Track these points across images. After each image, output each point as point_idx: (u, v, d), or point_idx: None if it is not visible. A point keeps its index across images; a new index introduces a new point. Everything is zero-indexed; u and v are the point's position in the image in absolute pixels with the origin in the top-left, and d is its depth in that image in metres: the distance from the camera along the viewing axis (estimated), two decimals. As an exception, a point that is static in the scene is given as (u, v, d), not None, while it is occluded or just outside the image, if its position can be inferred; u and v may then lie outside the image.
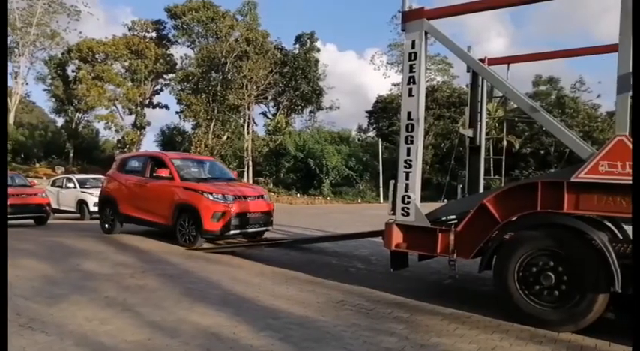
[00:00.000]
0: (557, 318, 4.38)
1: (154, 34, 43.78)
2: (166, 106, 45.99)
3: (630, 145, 4.22)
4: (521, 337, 4.22)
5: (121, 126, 42.17)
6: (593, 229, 4.39)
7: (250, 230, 8.99)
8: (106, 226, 10.41)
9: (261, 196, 9.52)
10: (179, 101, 40.12)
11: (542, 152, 33.47)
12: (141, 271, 6.64)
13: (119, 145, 43.04)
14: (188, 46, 42.04)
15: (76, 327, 4.19)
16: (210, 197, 8.51)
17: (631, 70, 4.37)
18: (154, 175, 9.55)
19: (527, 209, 4.69)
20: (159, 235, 9.71)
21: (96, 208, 15.96)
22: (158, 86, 45.70)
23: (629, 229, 5.50)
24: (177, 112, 41.92)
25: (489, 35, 67.11)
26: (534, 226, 4.69)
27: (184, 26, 39.73)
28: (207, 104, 37.10)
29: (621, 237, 5.46)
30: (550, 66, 54.75)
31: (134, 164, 10.47)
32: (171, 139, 45.29)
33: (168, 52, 43.93)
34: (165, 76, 44.68)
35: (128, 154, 11.71)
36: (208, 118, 37.42)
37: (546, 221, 4.61)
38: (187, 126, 43.39)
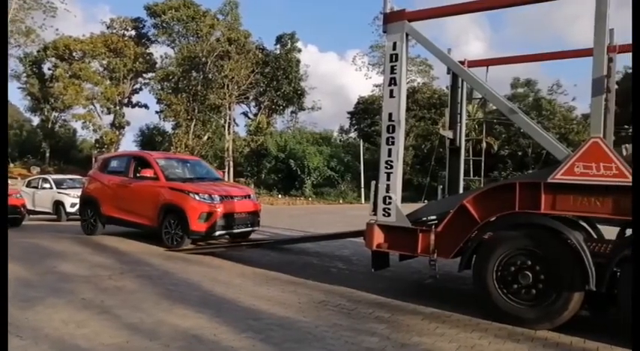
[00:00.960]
0: (534, 316, 4.46)
1: (133, 33, 43.15)
2: (146, 106, 45.42)
3: (604, 147, 4.32)
4: (499, 336, 4.28)
5: (99, 125, 41.44)
6: (569, 228, 4.48)
7: (237, 230, 8.88)
8: (88, 227, 10.16)
9: (248, 196, 9.42)
10: (159, 101, 39.65)
11: (519, 153, 34.10)
12: (119, 272, 6.54)
13: (97, 145, 42.26)
14: (168, 45, 41.66)
15: (51, 330, 4.10)
16: (197, 197, 8.38)
17: (605, 73, 4.49)
18: (138, 175, 9.34)
19: (505, 209, 4.76)
20: (138, 236, 9.57)
21: (73, 209, 15.72)
22: (137, 85, 45.07)
23: (604, 229, 5.65)
24: (157, 112, 41.47)
25: (468, 38, 68.15)
26: (513, 226, 4.76)
27: (164, 25, 39.28)
28: (188, 104, 36.75)
29: (596, 236, 5.60)
30: (527, 69, 55.88)
31: (117, 164, 10.21)
32: (150, 139, 44.71)
33: (147, 50, 43.34)
34: (144, 75, 44.05)
35: (110, 154, 11.51)
36: (189, 118, 37.06)
37: (524, 221, 4.68)
38: (167, 126, 42.95)
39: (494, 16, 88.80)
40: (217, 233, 8.54)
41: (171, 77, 38.17)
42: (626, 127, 23.49)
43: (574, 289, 4.27)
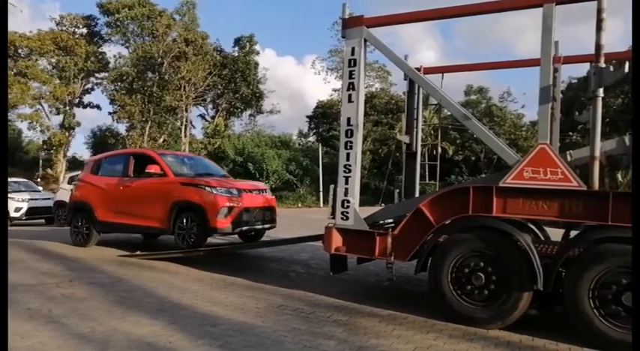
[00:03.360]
0: (486, 316, 4.61)
1: (84, 31, 41.45)
2: (98, 107, 43.73)
3: (551, 153, 4.55)
4: (454, 336, 4.40)
5: (47, 126, 39.54)
6: (519, 231, 4.67)
7: (258, 227, 8.27)
8: (80, 237, 9.13)
9: (264, 191, 8.85)
10: (112, 101, 38.33)
11: (473, 158, 35.23)
12: (68, 280, 6.27)
13: (45, 147, 40.37)
14: (122, 45, 40.29)
15: (-7, 342, 3.87)
16: (215, 191, 7.67)
17: (551, 83, 4.72)
18: (141, 173, 8.53)
19: (460, 213, 4.90)
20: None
21: (18, 214, 14.97)
22: (89, 85, 43.26)
23: (550, 230, 5.93)
24: (110, 113, 40.06)
25: (421, 47, 69.70)
26: (466, 229, 4.89)
27: (118, 23, 38.04)
28: (143, 105, 35.74)
29: (543, 238, 5.87)
30: (479, 77, 58.02)
31: (112, 164, 9.33)
32: (103, 141, 43.14)
33: (100, 49, 41.81)
34: (97, 74, 42.43)
35: (103, 154, 10.27)
36: (144, 119, 36.05)
37: (477, 224, 4.83)
38: (121, 127, 41.54)
39: (446, 27, 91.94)
40: (239, 229, 7.88)
41: (125, 77, 36.98)
42: (570, 133, 24.77)
43: (523, 289, 4.45)
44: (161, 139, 37.71)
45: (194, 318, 4.73)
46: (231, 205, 7.66)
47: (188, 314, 4.86)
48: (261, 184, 9.32)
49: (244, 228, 7.98)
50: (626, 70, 4.39)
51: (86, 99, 43.44)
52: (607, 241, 4.20)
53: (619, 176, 6.17)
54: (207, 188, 7.70)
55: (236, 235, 8.64)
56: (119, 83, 37.82)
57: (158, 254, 8.23)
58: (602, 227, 4.28)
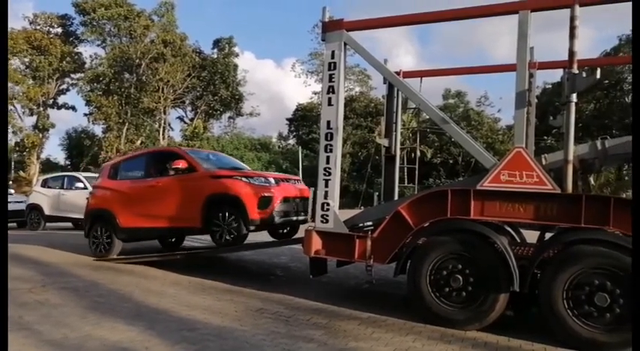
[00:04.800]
0: (464, 317, 4.66)
1: (59, 30, 40.67)
2: (73, 108, 42.94)
3: (527, 157, 4.64)
4: (432, 338, 4.43)
5: (20, 127, 38.63)
6: (496, 233, 4.74)
7: (293, 218, 7.70)
8: (100, 248, 8.39)
9: (298, 181, 8.37)
10: (88, 103, 37.65)
11: (451, 161, 35.72)
12: (41, 285, 6.10)
13: (17, 148, 39.40)
14: (98, 46, 39.66)
15: (-39, 351, 3.75)
16: (252, 181, 7.13)
17: (527, 88, 4.81)
18: (164, 172, 8.04)
19: (438, 215, 4.95)
20: (63, 246, 9.00)
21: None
22: (64, 86, 42.48)
23: (525, 232, 6.04)
24: (85, 115, 39.38)
25: (399, 52, 70.39)
26: (445, 232, 4.93)
27: (94, 23, 37.42)
28: (120, 107, 35.24)
29: (519, 240, 5.98)
30: (456, 81, 58.96)
31: (132, 166, 8.76)
32: (78, 143, 42.40)
33: (75, 50, 41.04)
34: (72, 75, 41.63)
35: (120, 158, 9.62)
36: (121, 121, 35.53)
37: (455, 227, 4.88)
38: (97, 129, 40.89)
39: (424, 32, 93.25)
40: (278, 221, 7.32)
41: (101, 78, 36.39)
42: (545, 137, 25.34)
43: (500, 291, 4.51)
44: (139, 141, 37.22)
45: (171, 322, 4.66)
46: (270, 195, 7.17)
47: (165, 319, 4.79)
48: (292, 175, 8.93)
49: (283, 219, 7.41)
50: (598, 76, 4.51)
51: (61, 100, 42.66)
52: (580, 243, 4.30)
53: (591, 179, 6.33)
54: (244, 179, 7.17)
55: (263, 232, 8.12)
56: (95, 84, 37.20)
57: (135, 258, 8.09)
58: (576, 229, 4.38)
